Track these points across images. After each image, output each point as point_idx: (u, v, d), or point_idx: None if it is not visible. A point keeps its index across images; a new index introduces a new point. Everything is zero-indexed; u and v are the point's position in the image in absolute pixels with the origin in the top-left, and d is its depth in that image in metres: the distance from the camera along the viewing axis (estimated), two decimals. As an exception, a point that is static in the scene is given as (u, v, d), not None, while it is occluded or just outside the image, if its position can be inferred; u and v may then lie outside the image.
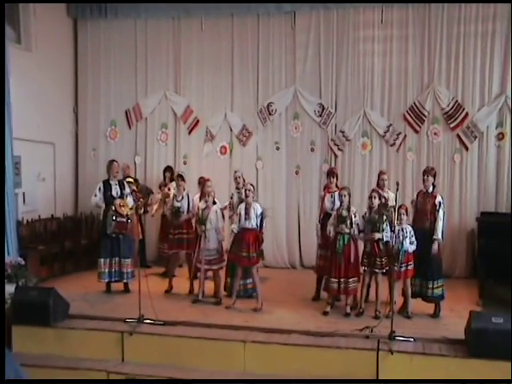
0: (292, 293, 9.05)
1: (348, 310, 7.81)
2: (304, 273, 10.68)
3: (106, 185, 8.99)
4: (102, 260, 8.88)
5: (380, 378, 6.32)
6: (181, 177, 9.25)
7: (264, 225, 8.20)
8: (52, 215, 11.15)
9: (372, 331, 6.84)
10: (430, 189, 7.91)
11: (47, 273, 10.05)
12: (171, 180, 10.35)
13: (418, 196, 8.10)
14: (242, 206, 8.11)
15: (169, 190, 10.07)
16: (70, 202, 12.24)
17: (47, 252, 10.19)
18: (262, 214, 8.05)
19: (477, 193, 10.61)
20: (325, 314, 7.81)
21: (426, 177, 7.93)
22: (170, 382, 6.25)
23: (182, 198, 9.09)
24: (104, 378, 6.52)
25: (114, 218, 8.80)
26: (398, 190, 7.24)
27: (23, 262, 8.72)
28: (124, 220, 8.82)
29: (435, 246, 7.69)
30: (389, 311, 7.34)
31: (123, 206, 8.81)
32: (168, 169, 10.89)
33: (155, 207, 10.29)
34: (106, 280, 8.95)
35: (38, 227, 10.59)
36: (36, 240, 10.22)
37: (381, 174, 8.83)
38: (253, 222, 7.98)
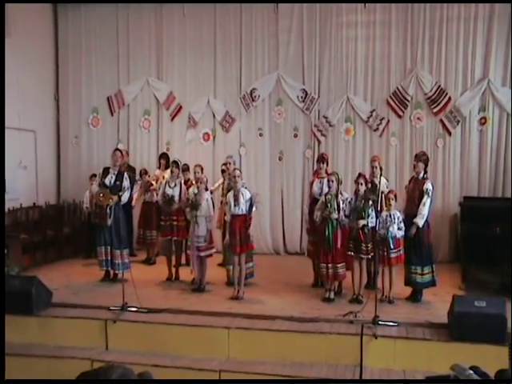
0: (276, 279, 9.05)
1: (332, 295, 7.80)
2: (288, 259, 10.71)
3: (105, 171, 8.88)
4: (98, 248, 8.82)
5: (364, 362, 6.34)
6: (175, 163, 9.16)
7: (253, 210, 8.07)
8: (34, 203, 11.06)
9: (356, 316, 6.87)
10: (421, 175, 7.83)
11: (29, 261, 9.97)
12: (166, 167, 10.17)
13: (410, 181, 8.03)
14: (231, 193, 7.97)
15: (163, 177, 9.94)
16: (52, 190, 12.15)
17: (29, 240, 10.10)
18: (250, 199, 7.93)
19: (460, 177, 10.67)
20: (329, 300, 7.76)
21: (416, 162, 7.86)
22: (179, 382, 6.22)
23: (175, 185, 9.01)
24: (88, 366, 6.48)
25: (93, 207, 8.88)
26: (381, 175, 7.25)
27: (5, 251, 8.65)
28: (102, 210, 8.67)
29: (413, 230, 7.63)
30: (381, 296, 7.47)
31: (103, 196, 8.69)
32: (163, 155, 10.60)
33: (135, 196, 10.19)
34: (104, 268, 8.87)
35: (20, 216, 10.51)
36: (18, 228, 10.12)
37: (372, 160, 8.63)
38: (242, 208, 7.87)
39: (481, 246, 8.27)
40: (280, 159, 11.42)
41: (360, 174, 8.08)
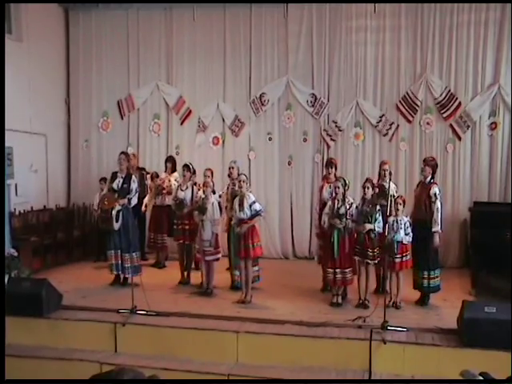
0: (285, 283, 9.04)
1: (339, 299, 7.79)
2: (297, 263, 10.70)
3: (114, 176, 8.87)
4: (109, 252, 8.81)
5: (373, 367, 6.33)
6: (187, 167, 9.16)
7: (258, 213, 8.05)
8: (44, 206, 11.12)
9: (365, 321, 6.86)
10: (428, 179, 7.84)
11: (40, 264, 10.01)
12: (172, 171, 10.13)
13: (418, 186, 8.03)
14: (237, 199, 7.97)
15: (169, 181, 9.96)
16: (62, 194, 12.19)
17: (40, 243, 10.16)
18: (254, 202, 7.92)
19: (469, 182, 10.64)
20: (337, 305, 7.75)
21: (423, 166, 7.88)
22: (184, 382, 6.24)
23: (187, 187, 9.01)
24: (97, 368, 6.49)
25: (100, 211, 8.93)
26: (390, 179, 7.24)
27: (16, 254, 8.74)
28: (107, 214, 8.62)
29: (437, 239, 7.62)
30: (389, 301, 7.40)
31: (107, 200, 8.66)
32: (169, 159, 10.46)
33: (146, 199, 10.22)
34: (115, 272, 8.82)
35: (31, 218, 10.56)
36: (28, 231, 10.17)
37: (382, 164, 8.58)
38: (247, 212, 7.87)
39: (491, 251, 8.24)
40: (289, 164, 11.42)
41: (367, 179, 8.10)
